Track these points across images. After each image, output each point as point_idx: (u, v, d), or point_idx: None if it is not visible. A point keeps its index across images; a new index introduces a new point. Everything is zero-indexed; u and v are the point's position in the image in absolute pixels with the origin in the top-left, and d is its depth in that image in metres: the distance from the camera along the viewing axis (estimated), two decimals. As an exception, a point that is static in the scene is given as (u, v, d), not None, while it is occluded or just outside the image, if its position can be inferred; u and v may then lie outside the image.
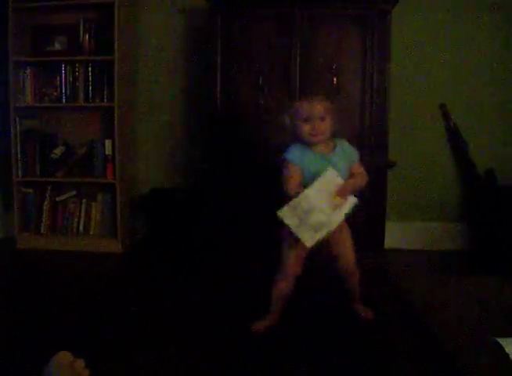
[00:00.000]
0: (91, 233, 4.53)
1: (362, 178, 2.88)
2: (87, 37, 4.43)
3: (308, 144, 2.78)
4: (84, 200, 4.54)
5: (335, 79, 3.94)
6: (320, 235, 2.68)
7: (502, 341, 1.77)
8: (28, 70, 4.49)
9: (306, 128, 2.74)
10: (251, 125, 4.01)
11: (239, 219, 4.04)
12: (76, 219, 4.55)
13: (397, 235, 4.42)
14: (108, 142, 4.38)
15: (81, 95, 4.44)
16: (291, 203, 2.63)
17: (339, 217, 2.72)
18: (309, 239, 2.67)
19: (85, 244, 4.47)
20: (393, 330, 2.89)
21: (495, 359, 1.81)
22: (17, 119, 4.46)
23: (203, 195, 4.15)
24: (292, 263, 2.89)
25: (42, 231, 4.57)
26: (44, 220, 4.57)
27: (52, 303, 3.27)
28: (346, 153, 2.85)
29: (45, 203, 4.56)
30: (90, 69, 4.41)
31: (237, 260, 3.98)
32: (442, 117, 4.43)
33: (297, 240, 2.74)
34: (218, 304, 3.27)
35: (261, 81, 3.98)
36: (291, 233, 2.73)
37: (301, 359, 2.56)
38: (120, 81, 4.32)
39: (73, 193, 4.58)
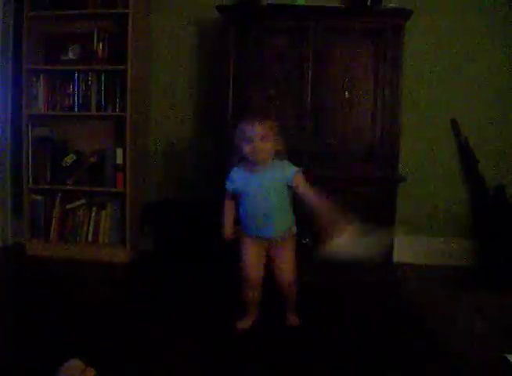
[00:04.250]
0: (100, 241, 4.53)
1: (320, 202, 2.86)
2: (100, 46, 4.46)
3: (252, 163, 2.90)
4: (93, 209, 4.55)
5: (347, 93, 3.96)
6: None
7: (511, 357, 1.77)
8: (41, 79, 4.52)
9: (247, 148, 2.86)
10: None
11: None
12: (85, 228, 4.55)
13: (406, 249, 4.41)
14: (119, 152, 4.39)
15: (94, 104, 4.46)
16: None
17: None
18: None
19: (94, 252, 4.47)
20: (401, 344, 2.88)
21: (503, 374, 1.81)
22: (29, 127, 4.49)
23: (214, 207, 4.16)
24: (251, 268, 3.05)
25: (51, 238, 4.58)
26: (53, 227, 4.58)
27: (59, 310, 3.27)
28: (277, 169, 2.93)
29: (55, 210, 4.57)
30: (103, 78, 4.43)
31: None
32: (453, 133, 4.43)
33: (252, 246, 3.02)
34: (225, 314, 3.27)
35: (272, 93, 4.00)
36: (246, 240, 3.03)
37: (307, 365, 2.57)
38: (133, 91, 4.34)
39: (83, 201, 4.58)
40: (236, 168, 3.00)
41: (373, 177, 3.97)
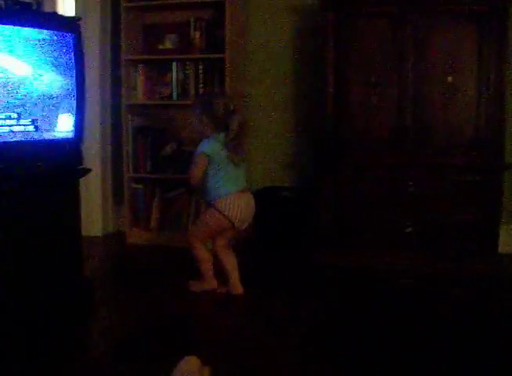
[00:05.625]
0: (200, 229, 4.55)
1: None
2: (198, 35, 4.47)
3: None
4: (193, 197, 4.58)
5: (450, 78, 3.86)
6: None
7: None
8: (140, 68, 4.58)
9: None
10: (363, 124, 3.97)
11: (351, 217, 4.03)
12: (185, 216, 4.59)
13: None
14: (218, 139, 4.41)
15: (192, 93, 4.48)
16: None
17: None
18: None
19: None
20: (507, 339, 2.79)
21: None
22: (129, 116, 4.56)
23: (313, 194, 4.15)
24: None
25: (152, 227, 4.65)
26: (153, 216, 4.64)
27: (168, 301, 3.32)
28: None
29: (155, 199, 4.63)
30: (201, 66, 4.45)
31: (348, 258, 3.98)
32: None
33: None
34: (335, 304, 3.27)
35: (373, 79, 3.94)
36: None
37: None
38: (231, 79, 4.35)
39: (183, 189, 4.62)
40: None
41: (477, 164, 3.86)
